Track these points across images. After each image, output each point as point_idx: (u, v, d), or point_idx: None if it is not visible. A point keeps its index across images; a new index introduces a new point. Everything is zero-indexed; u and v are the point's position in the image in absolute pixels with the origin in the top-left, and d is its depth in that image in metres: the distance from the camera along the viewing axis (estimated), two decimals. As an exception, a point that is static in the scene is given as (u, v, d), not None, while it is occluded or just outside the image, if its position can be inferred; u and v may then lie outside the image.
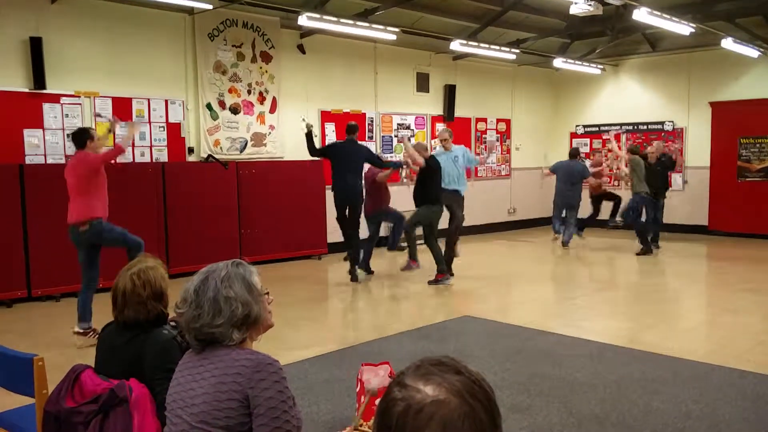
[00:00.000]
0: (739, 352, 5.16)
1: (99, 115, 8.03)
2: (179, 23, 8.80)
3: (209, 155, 8.97)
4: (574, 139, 14.04)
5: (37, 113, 7.66)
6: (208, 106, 9.10)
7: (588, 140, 13.84)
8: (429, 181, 7.89)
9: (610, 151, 12.09)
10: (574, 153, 11.35)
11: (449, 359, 1.04)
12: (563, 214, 11.30)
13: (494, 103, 13.25)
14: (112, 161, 6.50)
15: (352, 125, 8.30)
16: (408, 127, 11.72)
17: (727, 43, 10.21)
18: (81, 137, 5.84)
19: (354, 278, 8.12)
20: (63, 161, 7.82)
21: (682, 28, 9.34)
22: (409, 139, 9.84)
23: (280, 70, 9.82)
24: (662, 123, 12.69)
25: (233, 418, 1.85)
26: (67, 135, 6.43)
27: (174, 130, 8.80)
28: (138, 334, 2.47)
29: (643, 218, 10.44)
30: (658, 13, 8.65)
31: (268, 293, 2.08)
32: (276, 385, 1.87)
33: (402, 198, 10.00)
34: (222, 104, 9.24)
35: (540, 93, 14.21)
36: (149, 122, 8.49)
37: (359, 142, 8.51)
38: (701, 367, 4.77)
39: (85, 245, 5.85)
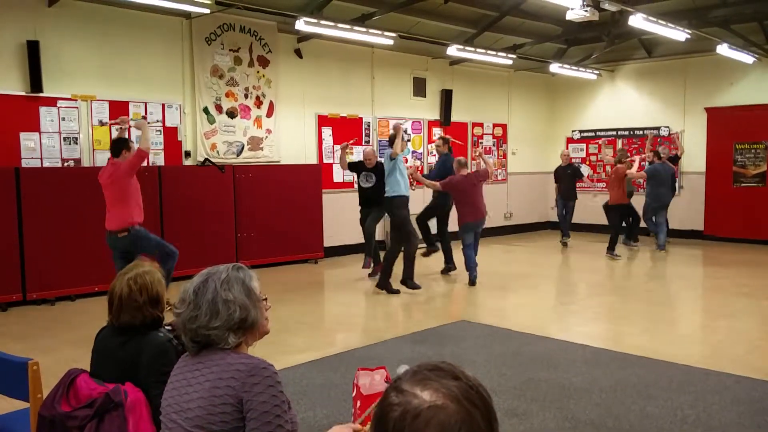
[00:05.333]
0: (734, 357, 5.17)
1: (102, 123, 8.06)
2: (176, 27, 8.81)
3: (206, 159, 8.96)
4: (570, 144, 14.07)
5: (33, 116, 7.65)
6: (205, 110, 9.10)
7: (584, 145, 13.87)
8: None
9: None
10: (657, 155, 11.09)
11: (446, 364, 1.04)
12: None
13: (491, 108, 13.27)
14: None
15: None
16: (404, 131, 11.72)
17: (723, 49, 10.26)
18: (118, 146, 6.12)
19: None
20: (59, 165, 7.83)
21: (678, 34, 9.38)
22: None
23: (277, 75, 9.82)
24: (658, 128, 12.73)
25: (228, 422, 1.85)
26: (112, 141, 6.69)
27: (171, 134, 8.79)
28: (133, 337, 2.47)
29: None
30: (654, 19, 8.69)
31: (266, 299, 2.07)
32: (270, 389, 1.86)
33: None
34: (219, 108, 9.23)
35: (536, 98, 14.25)
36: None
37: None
38: (697, 372, 4.78)
39: (121, 251, 6.10)
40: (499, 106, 13.48)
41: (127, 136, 6.67)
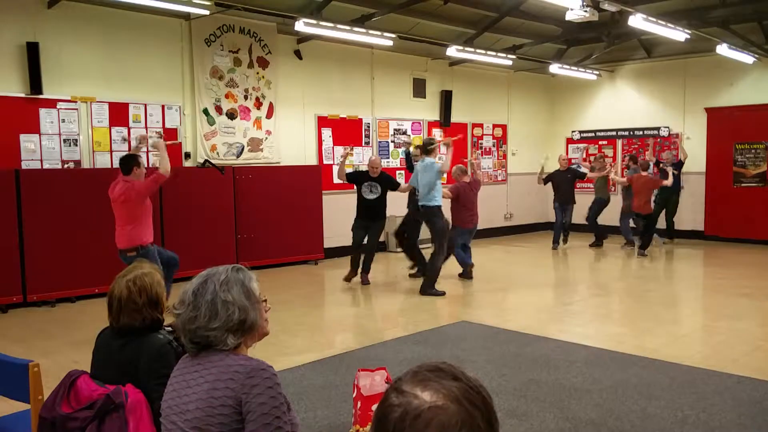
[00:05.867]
0: (735, 358, 5.17)
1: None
2: (176, 28, 8.81)
3: (206, 160, 8.96)
4: (570, 145, 14.07)
5: (33, 118, 7.65)
6: (205, 112, 9.10)
7: (584, 146, 13.86)
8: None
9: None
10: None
11: (447, 365, 1.03)
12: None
13: (490, 109, 13.28)
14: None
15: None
16: (404, 132, 11.74)
17: (722, 49, 10.27)
18: (128, 164, 6.06)
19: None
20: (59, 166, 7.83)
21: (678, 35, 9.38)
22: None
23: (277, 76, 9.83)
24: (658, 129, 12.74)
25: (226, 424, 1.85)
26: (119, 159, 6.53)
27: (171, 136, 8.78)
28: (133, 339, 2.47)
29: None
30: (654, 20, 8.69)
31: (265, 301, 2.07)
32: (269, 390, 1.86)
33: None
34: (219, 109, 9.24)
35: (536, 98, 14.25)
36: (146, 127, 8.46)
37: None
38: (697, 373, 4.77)
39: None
40: (499, 106, 13.48)
41: (144, 153, 6.63)
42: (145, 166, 6.25)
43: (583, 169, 11.99)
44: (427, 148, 7.74)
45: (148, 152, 7.36)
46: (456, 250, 8.57)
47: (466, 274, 8.65)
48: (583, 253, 11.11)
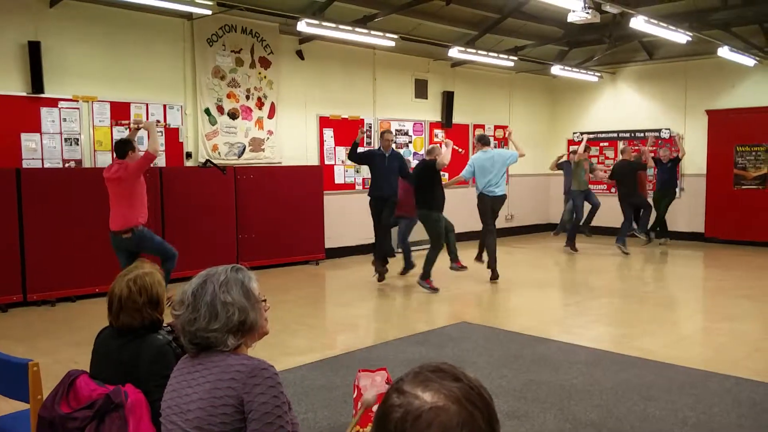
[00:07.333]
0: (735, 359, 5.16)
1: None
2: (178, 28, 8.81)
3: (207, 160, 8.96)
4: (571, 146, 14.05)
5: (35, 117, 7.65)
6: (207, 111, 9.11)
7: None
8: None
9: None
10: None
11: (448, 366, 1.03)
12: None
13: (492, 110, 13.27)
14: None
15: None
16: (406, 133, 11.73)
17: (724, 52, 10.26)
18: (123, 148, 6.32)
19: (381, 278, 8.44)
20: (60, 165, 7.83)
21: (679, 37, 9.38)
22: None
23: (279, 76, 9.83)
24: (659, 131, 12.74)
25: (228, 423, 1.84)
26: (115, 143, 6.80)
27: (172, 135, 8.79)
28: (132, 340, 2.47)
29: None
30: (655, 22, 8.69)
31: (265, 300, 2.07)
32: (271, 390, 1.86)
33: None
34: (220, 109, 9.24)
35: (538, 100, 14.25)
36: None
37: (397, 151, 8.86)
38: (698, 374, 4.77)
39: (125, 251, 6.23)
40: (501, 108, 13.48)
41: (144, 136, 6.82)
42: (139, 151, 6.44)
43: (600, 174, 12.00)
44: (488, 139, 8.76)
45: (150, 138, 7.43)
46: (407, 243, 8.72)
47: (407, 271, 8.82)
48: (585, 254, 11.09)
